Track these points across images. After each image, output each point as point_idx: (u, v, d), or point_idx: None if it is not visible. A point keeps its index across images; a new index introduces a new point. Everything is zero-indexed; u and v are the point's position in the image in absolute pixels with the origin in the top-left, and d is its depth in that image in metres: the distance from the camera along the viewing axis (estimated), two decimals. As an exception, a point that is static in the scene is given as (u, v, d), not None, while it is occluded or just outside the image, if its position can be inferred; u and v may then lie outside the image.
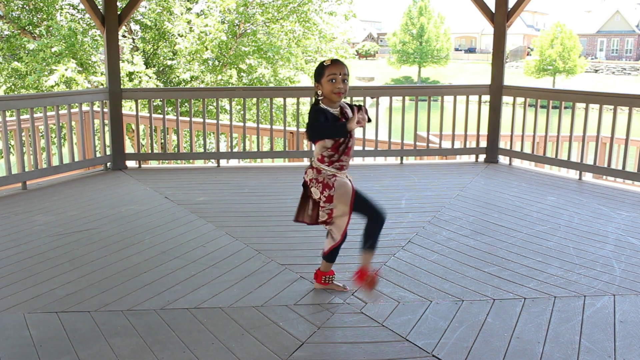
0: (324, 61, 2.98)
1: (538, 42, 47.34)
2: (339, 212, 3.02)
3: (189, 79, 12.99)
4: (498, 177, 6.05)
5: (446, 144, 6.96)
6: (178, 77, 12.91)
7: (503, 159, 6.77)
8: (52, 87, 11.24)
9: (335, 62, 2.95)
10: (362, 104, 3.89)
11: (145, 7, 12.87)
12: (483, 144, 6.76)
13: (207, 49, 12.84)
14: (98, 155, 6.35)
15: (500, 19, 6.44)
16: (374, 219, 3.04)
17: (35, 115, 5.96)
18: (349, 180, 3.06)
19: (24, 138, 6.34)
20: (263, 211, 4.83)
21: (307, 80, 15.06)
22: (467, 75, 49.54)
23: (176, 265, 3.65)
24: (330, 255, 3.19)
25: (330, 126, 2.92)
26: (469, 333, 2.80)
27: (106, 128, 6.34)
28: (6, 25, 12.96)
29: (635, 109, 5.67)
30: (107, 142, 6.45)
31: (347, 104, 3.11)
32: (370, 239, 3.04)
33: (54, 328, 2.84)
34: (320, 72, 2.96)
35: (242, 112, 8.87)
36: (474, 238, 4.13)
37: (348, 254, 3.46)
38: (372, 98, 7.11)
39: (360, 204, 3.05)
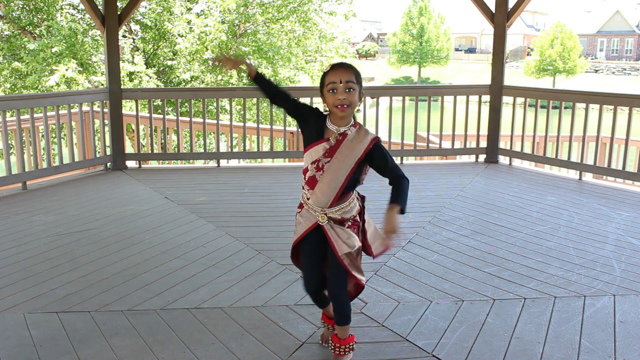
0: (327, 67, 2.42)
1: (538, 42, 47.32)
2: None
3: (189, 79, 13.00)
4: (498, 177, 6.05)
5: (446, 144, 6.96)
6: (178, 77, 12.91)
7: (503, 159, 6.77)
8: (53, 87, 11.24)
9: (337, 67, 2.34)
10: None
11: (145, 7, 12.87)
12: (483, 144, 6.76)
13: (207, 49, 12.84)
14: (98, 155, 6.35)
15: (500, 19, 6.44)
16: (327, 289, 2.52)
17: (35, 115, 5.97)
18: (316, 223, 2.42)
19: (24, 138, 6.34)
20: (263, 211, 4.83)
21: (307, 80, 15.06)
22: (467, 75, 49.52)
23: (176, 265, 3.65)
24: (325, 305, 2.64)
25: None
26: (469, 333, 2.80)
27: (106, 128, 6.34)
28: (6, 25, 12.96)
29: (635, 109, 5.68)
30: (107, 142, 6.45)
31: (371, 135, 2.44)
32: (334, 312, 2.52)
33: (54, 328, 2.84)
34: (322, 81, 2.39)
35: (242, 112, 8.87)
36: (474, 238, 4.13)
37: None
38: (372, 98, 7.10)
39: (316, 263, 2.51)
